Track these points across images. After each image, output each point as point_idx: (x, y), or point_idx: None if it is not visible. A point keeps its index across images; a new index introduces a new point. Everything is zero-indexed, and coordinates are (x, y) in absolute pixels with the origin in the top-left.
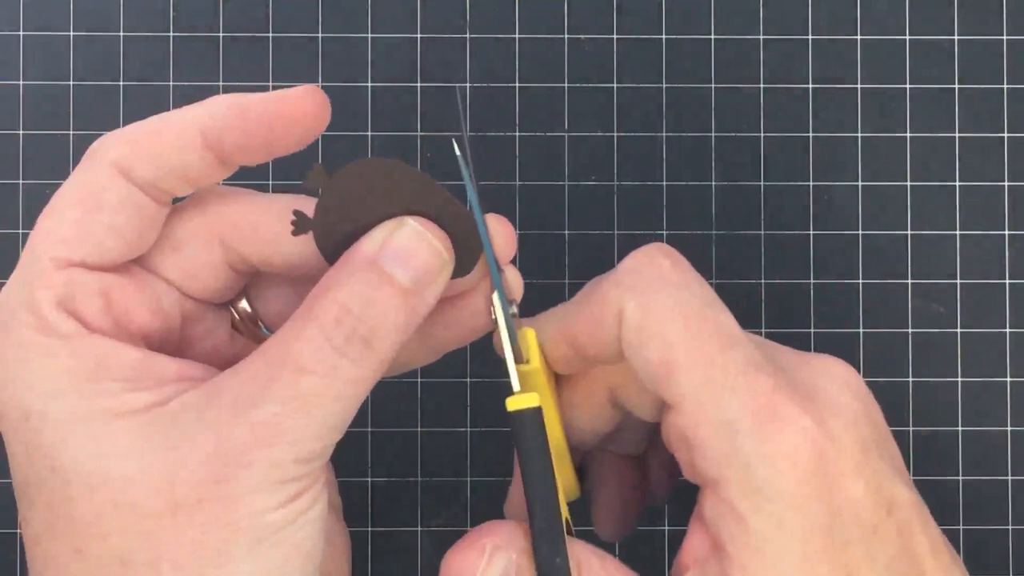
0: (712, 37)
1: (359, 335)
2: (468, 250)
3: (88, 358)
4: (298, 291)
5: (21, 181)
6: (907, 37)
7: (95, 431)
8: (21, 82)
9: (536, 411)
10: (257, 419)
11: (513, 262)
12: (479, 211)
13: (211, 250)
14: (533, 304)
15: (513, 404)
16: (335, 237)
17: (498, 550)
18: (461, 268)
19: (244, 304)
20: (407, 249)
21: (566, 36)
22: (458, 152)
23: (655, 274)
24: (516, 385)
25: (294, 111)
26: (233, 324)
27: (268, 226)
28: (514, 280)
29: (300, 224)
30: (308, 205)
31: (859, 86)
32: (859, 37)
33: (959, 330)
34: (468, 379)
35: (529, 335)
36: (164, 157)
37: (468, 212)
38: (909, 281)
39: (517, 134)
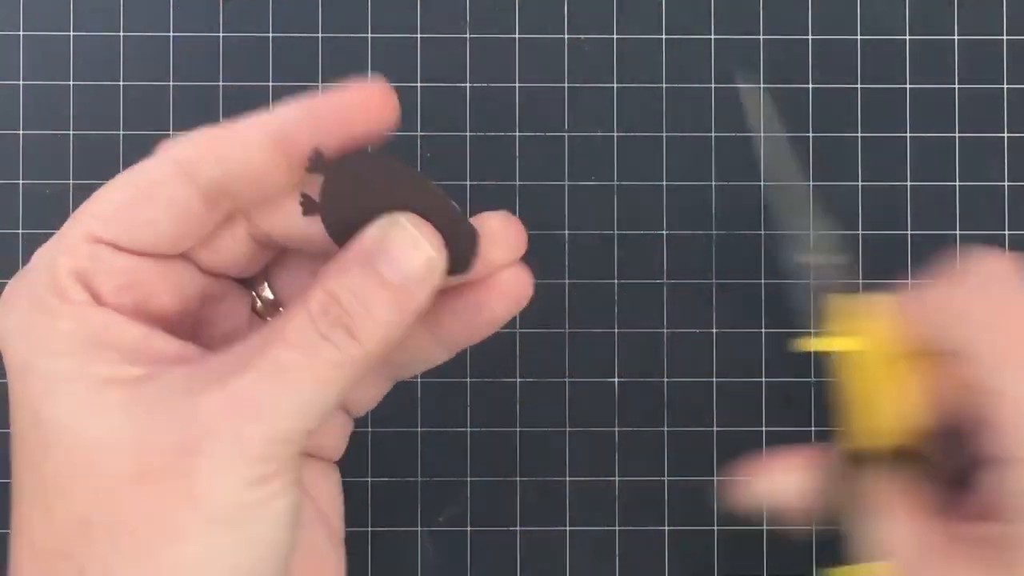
0: (712, 37)
1: (343, 323)
2: (464, 249)
3: (91, 327)
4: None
5: (21, 181)
6: (907, 37)
7: (80, 393)
8: (21, 82)
9: (854, 353)
10: (232, 389)
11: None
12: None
13: (234, 221)
14: (533, 304)
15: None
16: (342, 221)
17: (794, 469)
18: (458, 266)
19: (267, 291)
20: (398, 248)
21: (566, 36)
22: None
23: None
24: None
25: (364, 102)
26: (254, 308)
27: (287, 199)
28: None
29: (307, 206)
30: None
31: (859, 86)
32: (859, 37)
33: None
34: (468, 379)
35: (876, 304)
36: (230, 158)
37: (461, 212)
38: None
39: (517, 134)
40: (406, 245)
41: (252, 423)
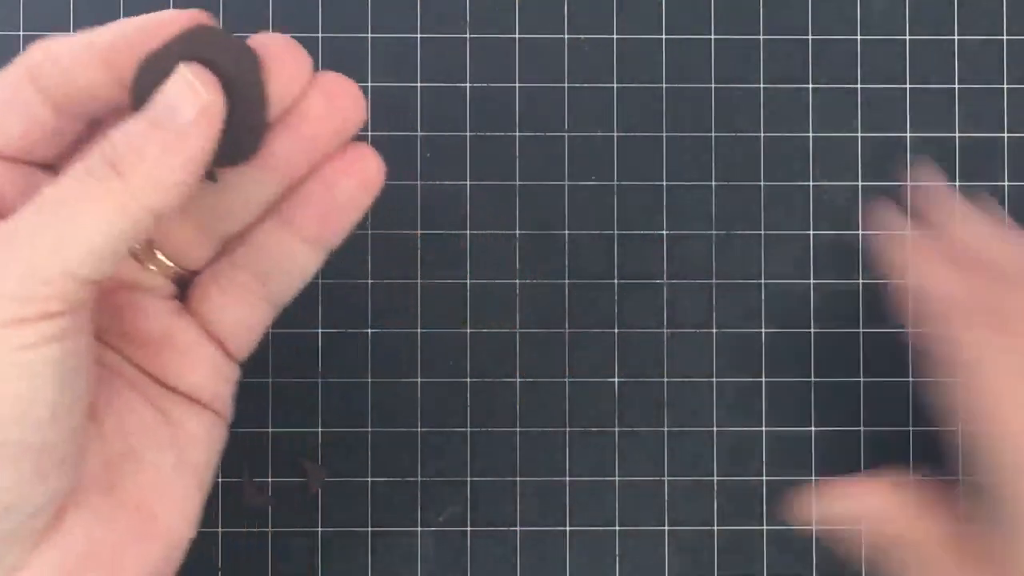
0: (712, 37)
1: (109, 160)
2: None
3: None
4: None
5: None
6: (907, 37)
7: None
8: None
9: None
10: (2, 229)
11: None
12: None
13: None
14: (534, 304)
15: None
16: None
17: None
18: (250, 127)
19: None
20: (172, 92)
21: (566, 36)
22: None
23: None
24: None
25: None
26: None
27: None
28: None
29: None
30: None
31: (859, 86)
32: (859, 37)
33: None
34: (468, 379)
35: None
36: (67, 69)
37: (258, 62)
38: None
39: (517, 134)
40: (180, 88)
41: (10, 257)
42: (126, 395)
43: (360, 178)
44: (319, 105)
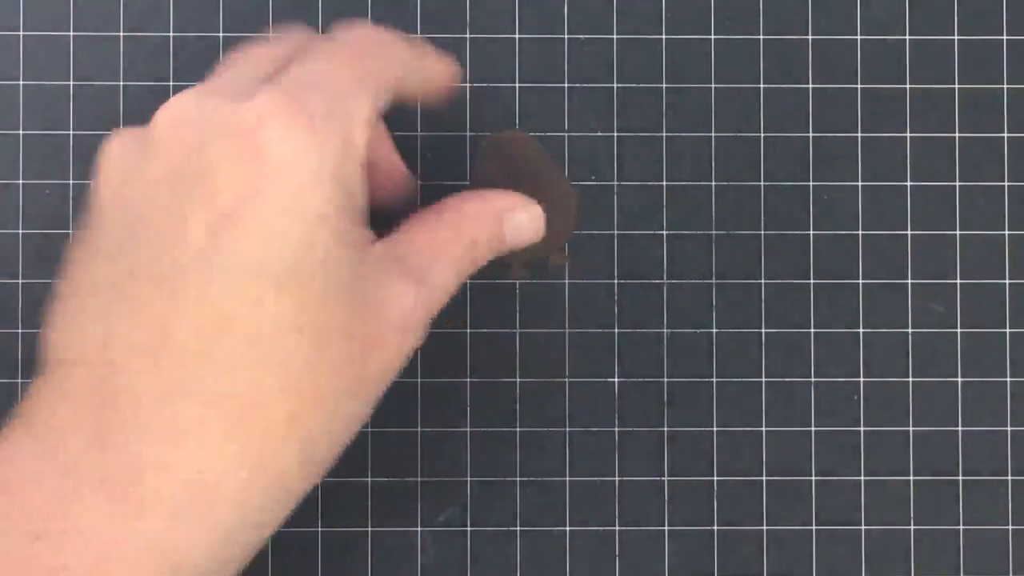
0: (712, 37)
1: (472, 253)
2: (565, 219)
3: (351, 189)
4: None
5: (21, 181)
6: (907, 37)
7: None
8: (21, 82)
9: None
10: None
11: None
12: None
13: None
14: (534, 304)
15: None
16: (486, 180)
17: None
18: (554, 241)
19: None
20: (521, 223)
21: (566, 36)
22: None
23: None
24: None
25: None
26: None
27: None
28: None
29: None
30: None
31: (859, 86)
32: (859, 37)
33: (959, 330)
34: (468, 379)
35: None
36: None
37: (571, 190)
38: (909, 281)
39: None
40: (527, 224)
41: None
42: None
43: None
44: None
